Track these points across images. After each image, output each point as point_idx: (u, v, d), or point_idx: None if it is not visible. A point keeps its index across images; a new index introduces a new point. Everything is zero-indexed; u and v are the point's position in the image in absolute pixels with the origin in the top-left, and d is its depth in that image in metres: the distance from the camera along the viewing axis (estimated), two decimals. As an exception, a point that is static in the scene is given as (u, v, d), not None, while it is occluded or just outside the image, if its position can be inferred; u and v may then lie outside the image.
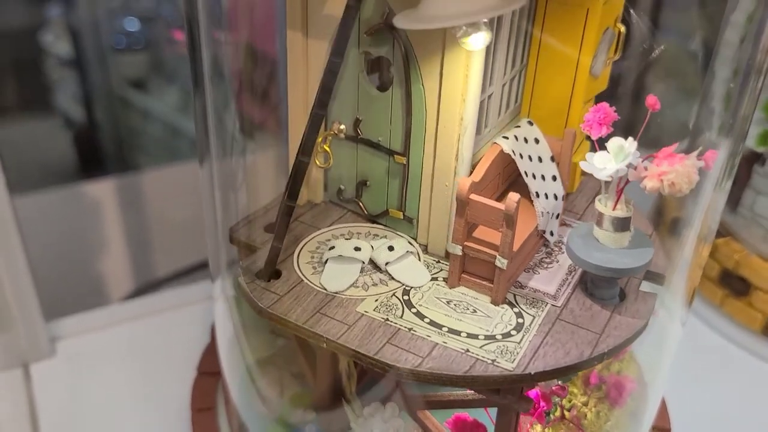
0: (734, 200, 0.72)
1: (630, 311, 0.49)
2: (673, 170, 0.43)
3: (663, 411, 0.62)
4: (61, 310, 0.74)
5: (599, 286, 0.50)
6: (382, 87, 0.52)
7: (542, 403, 0.51)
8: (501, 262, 0.47)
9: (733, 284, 0.74)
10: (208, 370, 0.65)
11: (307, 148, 0.46)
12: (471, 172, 0.50)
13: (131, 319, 0.76)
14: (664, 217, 0.53)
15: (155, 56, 1.34)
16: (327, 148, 0.54)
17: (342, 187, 0.56)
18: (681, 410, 0.62)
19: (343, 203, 0.57)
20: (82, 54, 1.29)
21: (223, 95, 0.51)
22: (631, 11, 0.50)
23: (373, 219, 0.56)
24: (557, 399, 0.54)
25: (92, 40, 1.28)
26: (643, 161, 0.44)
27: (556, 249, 0.54)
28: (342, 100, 0.52)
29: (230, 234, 0.55)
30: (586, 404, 0.58)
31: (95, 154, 1.37)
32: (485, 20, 0.40)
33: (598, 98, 0.58)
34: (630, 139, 0.45)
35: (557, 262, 0.53)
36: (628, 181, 0.45)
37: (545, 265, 0.52)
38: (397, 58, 0.49)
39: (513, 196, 0.45)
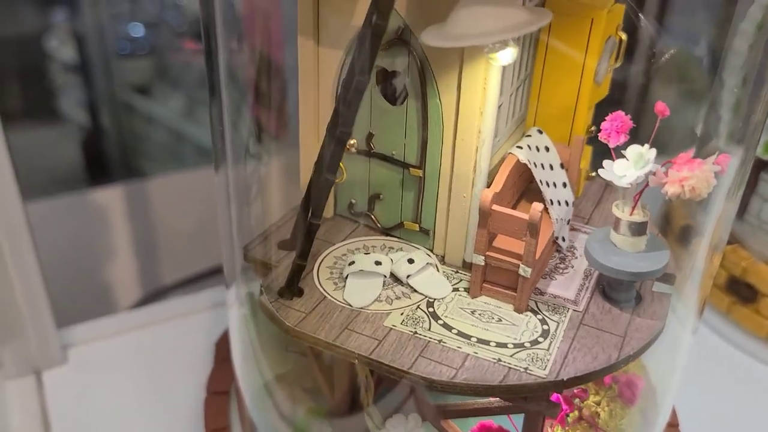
0: (741, 207, 0.72)
1: (648, 313, 0.50)
2: (693, 175, 0.44)
3: (672, 415, 0.63)
4: (68, 317, 0.74)
5: (617, 289, 0.51)
6: (388, 99, 0.52)
7: (565, 406, 0.52)
8: (525, 271, 0.48)
9: (740, 291, 0.74)
10: (218, 389, 0.64)
11: (332, 166, 0.46)
12: (488, 182, 0.50)
13: (142, 327, 0.76)
14: (672, 225, 0.54)
15: (160, 62, 1.34)
16: (340, 163, 0.54)
17: (353, 200, 0.56)
18: (688, 417, 0.63)
19: (355, 217, 0.57)
20: (87, 59, 1.29)
21: (236, 104, 0.52)
22: (640, 15, 0.51)
23: (386, 231, 0.56)
24: (576, 401, 0.55)
25: (97, 46, 1.28)
26: (662, 167, 0.46)
27: (569, 254, 0.55)
28: (354, 114, 0.53)
29: (245, 252, 0.55)
30: (598, 404, 0.59)
31: (100, 161, 1.37)
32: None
33: (599, 105, 0.59)
34: (646, 146, 0.46)
35: (572, 267, 0.54)
36: (647, 185, 0.47)
37: (560, 271, 0.53)
38: (412, 72, 0.49)
39: (537, 206, 0.46)
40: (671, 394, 0.58)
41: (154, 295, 1.02)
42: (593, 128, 0.58)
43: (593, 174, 0.61)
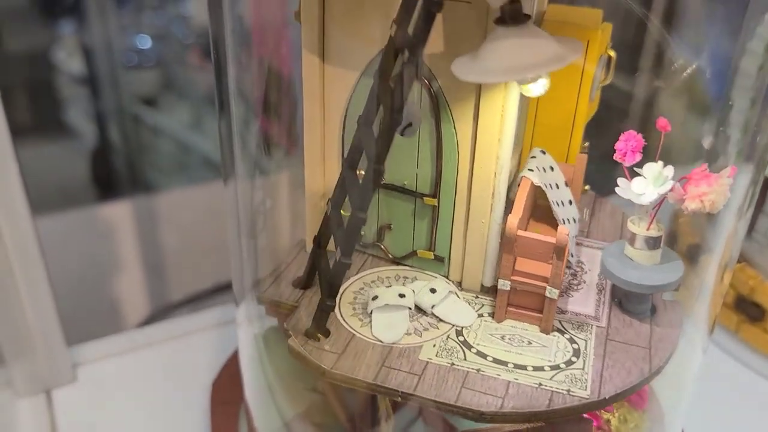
0: (749, 226, 0.69)
1: (665, 322, 0.52)
2: (712, 190, 0.46)
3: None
4: (77, 334, 0.73)
5: (634, 301, 0.52)
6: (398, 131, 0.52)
7: (594, 421, 0.53)
8: (552, 292, 0.49)
9: (748, 310, 0.74)
10: (225, 434, 0.62)
11: (364, 204, 0.45)
12: (506, 207, 0.51)
13: (152, 344, 0.76)
14: (679, 244, 0.55)
15: (166, 73, 1.33)
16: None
17: (362, 232, 0.56)
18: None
19: (363, 248, 0.57)
20: (95, 71, 1.28)
21: (244, 120, 0.51)
22: (646, 27, 0.52)
23: (397, 261, 0.56)
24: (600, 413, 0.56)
25: (104, 58, 1.26)
26: (678, 182, 0.47)
27: (579, 270, 0.56)
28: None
29: (258, 296, 0.53)
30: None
31: (108, 175, 1.35)
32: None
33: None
34: (660, 163, 0.48)
35: (584, 282, 0.55)
36: (664, 199, 0.48)
37: (574, 287, 0.54)
38: (424, 102, 0.49)
39: (563, 230, 0.47)
40: (682, 412, 0.59)
41: (162, 311, 0.99)
42: (587, 145, 0.59)
43: (586, 188, 0.63)
